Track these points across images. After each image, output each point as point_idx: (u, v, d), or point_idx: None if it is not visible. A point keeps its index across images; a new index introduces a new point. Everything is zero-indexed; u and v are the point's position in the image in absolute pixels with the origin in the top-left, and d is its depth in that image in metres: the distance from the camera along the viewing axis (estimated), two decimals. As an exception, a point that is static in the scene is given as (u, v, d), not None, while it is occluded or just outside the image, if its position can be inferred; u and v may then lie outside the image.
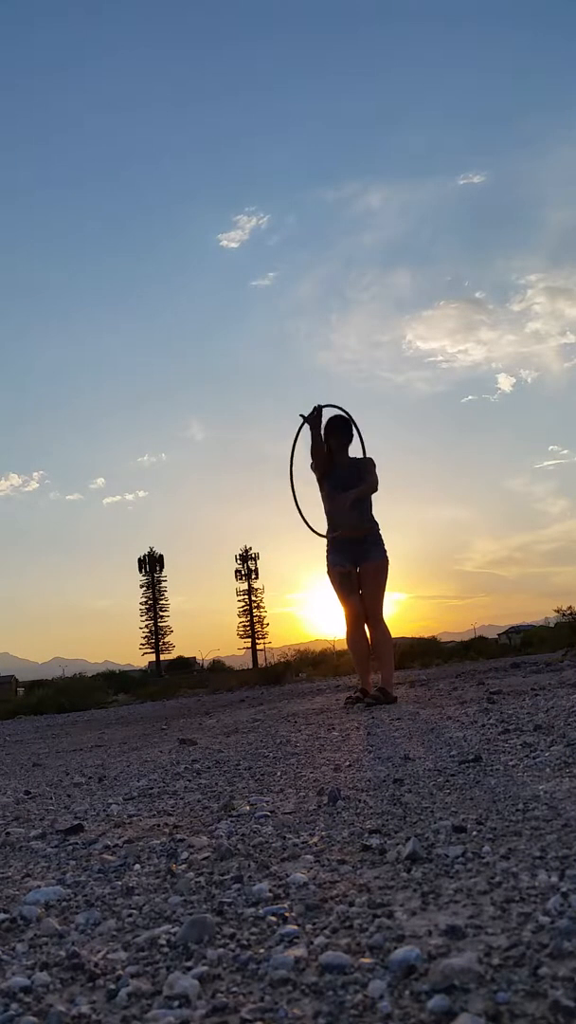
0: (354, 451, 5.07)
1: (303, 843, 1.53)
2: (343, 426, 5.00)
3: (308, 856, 1.43)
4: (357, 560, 4.90)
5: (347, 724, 3.80)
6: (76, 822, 2.02)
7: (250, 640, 56.64)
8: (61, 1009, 0.90)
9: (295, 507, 5.08)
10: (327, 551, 5.01)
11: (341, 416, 5.01)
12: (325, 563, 5.04)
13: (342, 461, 5.00)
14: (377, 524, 4.99)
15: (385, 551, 4.95)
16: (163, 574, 56.93)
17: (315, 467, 4.99)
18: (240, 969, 0.97)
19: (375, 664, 5.04)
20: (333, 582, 4.96)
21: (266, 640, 56.27)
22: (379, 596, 4.88)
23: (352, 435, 5.01)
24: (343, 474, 4.96)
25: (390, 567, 4.97)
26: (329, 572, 4.98)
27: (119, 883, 1.41)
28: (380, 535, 4.97)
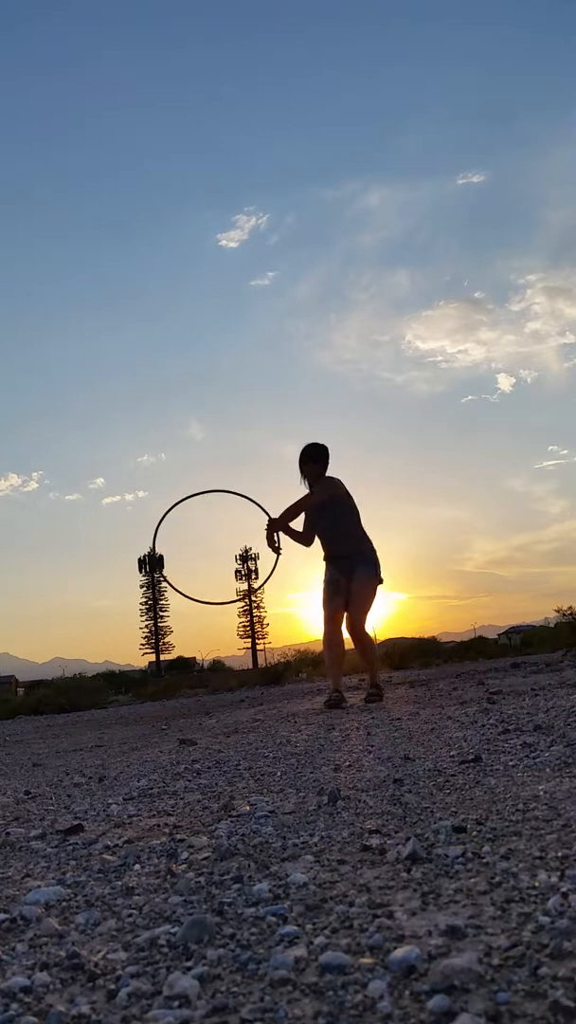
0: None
1: (303, 843, 1.53)
2: (323, 453, 5.10)
3: (308, 856, 1.43)
4: (350, 575, 5.05)
5: (347, 724, 3.80)
6: (76, 822, 2.02)
7: (250, 640, 56.64)
8: (61, 1009, 0.90)
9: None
10: (325, 568, 5.16)
11: (318, 443, 5.12)
12: (324, 569, 5.20)
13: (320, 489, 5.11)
14: (370, 542, 5.10)
15: (378, 570, 5.07)
16: (163, 574, 56.94)
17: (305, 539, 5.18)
18: (240, 969, 0.97)
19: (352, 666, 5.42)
20: (324, 591, 5.11)
21: (266, 640, 56.30)
22: (364, 606, 5.00)
23: (328, 461, 5.11)
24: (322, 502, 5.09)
25: (379, 589, 5.12)
26: (324, 584, 5.12)
27: (119, 883, 1.41)
28: (374, 555, 5.10)
